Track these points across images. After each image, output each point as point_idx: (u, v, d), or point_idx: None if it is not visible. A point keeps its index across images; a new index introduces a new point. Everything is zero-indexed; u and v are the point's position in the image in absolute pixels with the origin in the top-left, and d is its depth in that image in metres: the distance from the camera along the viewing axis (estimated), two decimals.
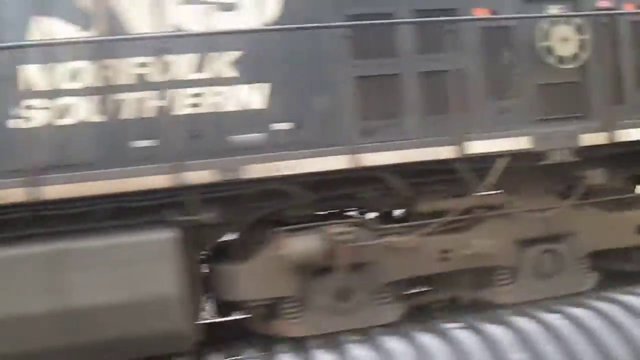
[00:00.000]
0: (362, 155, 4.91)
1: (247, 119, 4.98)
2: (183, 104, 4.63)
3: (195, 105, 4.67)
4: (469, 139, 5.16)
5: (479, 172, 5.43)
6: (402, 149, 5.05)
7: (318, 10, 5.11)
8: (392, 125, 5.23)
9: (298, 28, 5.02)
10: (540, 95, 5.60)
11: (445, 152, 5.20)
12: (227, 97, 4.77)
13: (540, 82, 5.59)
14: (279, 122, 4.95)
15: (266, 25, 4.96)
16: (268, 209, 5.25)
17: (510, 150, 5.33)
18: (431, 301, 6.00)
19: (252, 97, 4.91)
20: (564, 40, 5.46)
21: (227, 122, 4.83)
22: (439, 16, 5.25)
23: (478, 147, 5.21)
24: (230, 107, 4.79)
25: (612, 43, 5.81)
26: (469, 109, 5.37)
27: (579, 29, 5.56)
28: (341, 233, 5.03)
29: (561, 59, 5.47)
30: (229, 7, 4.84)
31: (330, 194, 5.39)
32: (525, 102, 5.57)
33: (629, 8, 5.97)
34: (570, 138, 5.39)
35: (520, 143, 5.35)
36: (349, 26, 5.21)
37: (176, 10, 4.71)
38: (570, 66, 5.47)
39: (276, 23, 4.97)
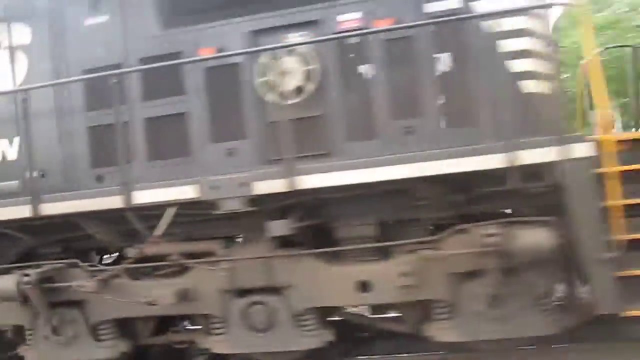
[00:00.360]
0: (46, 205, 5.28)
1: (3, 168, 5.99)
2: None
3: None
4: (136, 189, 5.06)
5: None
6: (78, 199, 5.28)
7: (59, 68, 5.79)
8: (120, 172, 5.24)
9: (40, 86, 5.45)
10: (273, 134, 5.03)
11: (114, 202, 5.21)
12: None
13: (271, 120, 5.06)
14: (29, 170, 5.57)
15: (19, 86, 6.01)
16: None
17: (178, 200, 5.03)
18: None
19: (7, 149, 5.83)
20: (285, 74, 4.88)
21: None
22: (162, 61, 5.15)
23: (145, 197, 5.10)
24: None
25: (357, 68, 5.04)
26: (191, 153, 5.28)
27: (305, 59, 4.95)
28: None
29: (282, 94, 4.95)
30: None
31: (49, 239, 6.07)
32: (255, 143, 5.12)
33: (381, 24, 4.98)
34: (242, 186, 4.80)
35: (187, 192, 4.99)
36: (81, 80, 5.62)
37: None
38: (296, 100, 4.86)
39: (25, 83, 5.82)
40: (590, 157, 4.32)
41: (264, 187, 4.93)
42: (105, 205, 5.33)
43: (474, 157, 4.47)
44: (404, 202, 5.16)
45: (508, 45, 4.72)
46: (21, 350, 6.25)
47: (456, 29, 4.87)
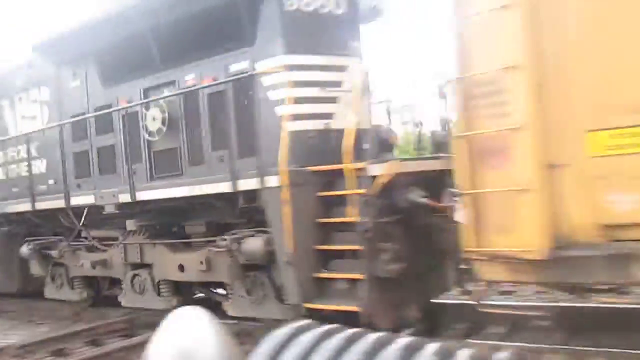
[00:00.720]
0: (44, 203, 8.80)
1: (38, 177, 9.16)
2: None
3: None
4: (72, 196, 7.92)
5: None
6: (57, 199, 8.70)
7: (60, 114, 8.55)
8: (86, 182, 8.02)
9: (51, 127, 8.34)
10: (155, 159, 7.52)
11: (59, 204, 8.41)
12: None
13: (154, 149, 7.41)
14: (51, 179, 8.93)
15: None
16: None
17: (87, 204, 7.70)
18: None
19: (40, 165, 8.98)
20: (153, 119, 7.08)
21: None
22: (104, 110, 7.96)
23: (75, 201, 7.93)
24: None
25: (195, 113, 6.89)
26: (116, 171, 7.49)
27: (162, 109, 7.05)
28: None
29: (152, 133, 7.28)
30: None
31: None
32: (145, 166, 7.22)
33: (205, 82, 6.88)
34: (113, 197, 7.21)
35: (90, 200, 7.58)
36: (66, 123, 8.37)
37: None
38: (157, 138, 7.13)
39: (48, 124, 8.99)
40: (279, 186, 5.80)
41: (123, 198, 7.41)
42: (58, 205, 8.44)
43: (223, 183, 6.24)
44: (218, 210, 7.00)
45: (275, 94, 6.21)
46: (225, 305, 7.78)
47: (245, 84, 6.47)
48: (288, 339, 2.47)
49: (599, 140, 4.15)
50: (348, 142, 5.59)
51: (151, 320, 6.71)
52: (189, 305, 5.97)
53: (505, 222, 4.46)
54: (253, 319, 6.67)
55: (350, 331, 2.54)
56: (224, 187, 6.39)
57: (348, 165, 5.56)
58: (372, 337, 2.46)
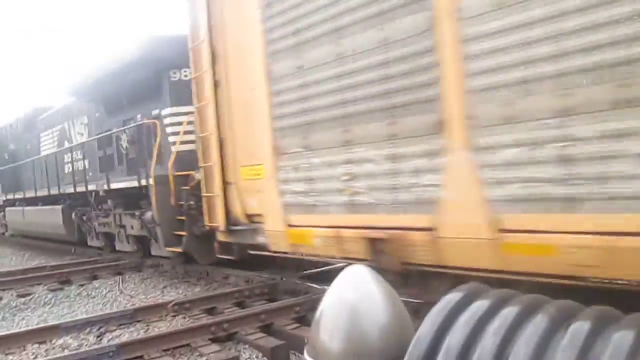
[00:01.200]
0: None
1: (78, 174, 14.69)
2: None
3: None
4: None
5: None
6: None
7: (90, 134, 13.85)
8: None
9: (87, 141, 13.48)
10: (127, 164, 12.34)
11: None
12: None
13: (126, 158, 12.10)
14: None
15: None
16: None
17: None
18: None
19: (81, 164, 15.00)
20: (125, 140, 11.77)
21: None
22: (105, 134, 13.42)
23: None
24: None
25: (137, 138, 10.89)
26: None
27: (127, 134, 11.39)
28: None
29: (125, 148, 11.91)
30: None
31: None
32: (123, 167, 12.15)
33: (146, 120, 10.97)
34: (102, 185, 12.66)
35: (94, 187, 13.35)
36: (93, 139, 13.66)
37: None
38: (126, 151, 12.15)
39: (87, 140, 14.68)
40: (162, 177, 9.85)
41: (106, 186, 12.17)
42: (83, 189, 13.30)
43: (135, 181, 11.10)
44: (141, 196, 11.05)
45: (169, 129, 10.20)
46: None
47: (156, 123, 10.53)
48: (464, 301, 2.37)
49: (244, 171, 6.81)
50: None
51: (290, 288, 7.43)
52: None
53: (212, 211, 7.41)
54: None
55: (530, 297, 2.38)
56: (135, 183, 10.72)
57: (189, 172, 9.43)
58: (554, 305, 2.26)
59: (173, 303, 6.85)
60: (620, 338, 1.87)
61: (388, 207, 4.94)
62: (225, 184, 7.16)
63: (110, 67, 10.62)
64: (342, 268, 2.88)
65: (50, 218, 14.05)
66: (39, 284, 9.83)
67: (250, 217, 6.81)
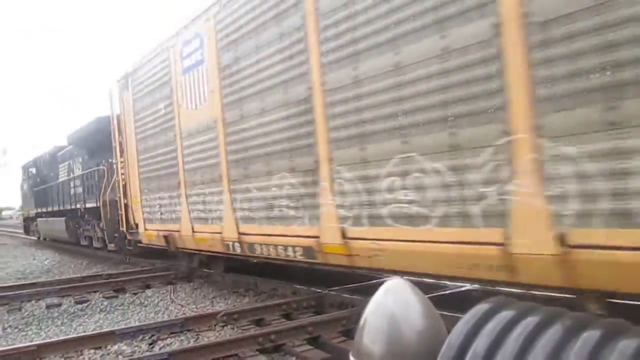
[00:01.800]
0: None
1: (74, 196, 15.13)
2: None
3: None
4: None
5: None
6: None
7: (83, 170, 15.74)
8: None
9: (79, 175, 15.80)
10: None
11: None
12: None
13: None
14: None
15: None
16: None
17: None
18: None
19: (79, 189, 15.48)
20: (97, 177, 13.22)
21: None
22: (89, 173, 14.93)
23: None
24: None
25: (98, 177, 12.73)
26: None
27: (99, 173, 12.35)
28: None
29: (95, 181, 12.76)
30: None
31: None
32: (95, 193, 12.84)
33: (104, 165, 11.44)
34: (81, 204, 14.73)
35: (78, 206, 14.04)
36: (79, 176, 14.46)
37: None
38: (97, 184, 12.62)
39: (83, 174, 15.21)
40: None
41: (84, 205, 14.98)
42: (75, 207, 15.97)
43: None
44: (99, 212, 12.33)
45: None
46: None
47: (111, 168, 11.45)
48: (491, 311, 2.55)
49: (134, 200, 10.13)
50: None
51: (337, 300, 6.42)
52: None
53: (123, 222, 10.33)
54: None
55: (550, 309, 2.48)
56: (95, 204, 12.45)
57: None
58: (570, 316, 2.35)
59: (222, 313, 6.29)
60: (626, 345, 2.10)
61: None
62: (126, 207, 10.29)
63: (87, 130, 13.60)
64: (383, 281, 2.91)
65: (59, 226, 17.00)
66: (96, 292, 8.89)
67: (136, 225, 9.71)
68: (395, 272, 4.76)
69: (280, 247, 6.06)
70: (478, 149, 4.04)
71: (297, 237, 5.73)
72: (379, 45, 4.49)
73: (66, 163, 17.87)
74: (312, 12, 5.08)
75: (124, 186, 10.12)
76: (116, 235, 11.92)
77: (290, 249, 5.98)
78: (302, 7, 5.26)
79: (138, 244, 10.60)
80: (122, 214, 10.36)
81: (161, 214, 8.53)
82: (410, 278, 3.40)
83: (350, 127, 4.84)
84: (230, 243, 6.86)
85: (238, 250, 6.72)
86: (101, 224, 12.64)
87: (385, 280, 3.07)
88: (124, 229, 10.31)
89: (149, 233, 9.16)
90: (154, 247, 9.86)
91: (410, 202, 4.59)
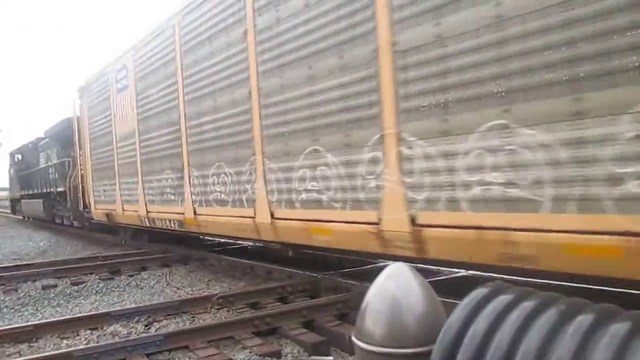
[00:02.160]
0: None
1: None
2: None
3: None
4: None
5: None
6: None
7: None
8: None
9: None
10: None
11: None
12: None
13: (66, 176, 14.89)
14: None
15: None
16: None
17: None
18: None
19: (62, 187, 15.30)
20: (66, 167, 15.64)
21: None
22: (60, 164, 16.97)
23: None
24: None
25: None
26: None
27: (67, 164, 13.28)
28: None
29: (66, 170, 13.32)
30: None
31: None
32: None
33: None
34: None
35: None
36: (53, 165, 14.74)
37: None
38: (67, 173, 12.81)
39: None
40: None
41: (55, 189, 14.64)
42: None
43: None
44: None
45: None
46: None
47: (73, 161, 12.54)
48: (490, 295, 2.70)
49: (90, 188, 14.61)
50: None
51: (332, 285, 6.25)
52: None
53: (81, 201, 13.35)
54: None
55: (546, 294, 2.62)
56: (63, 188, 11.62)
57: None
58: (565, 301, 2.45)
59: (218, 296, 6.20)
60: (617, 328, 2.24)
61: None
62: (83, 191, 11.44)
63: (60, 126, 15.00)
64: (384, 266, 3.10)
65: (38, 206, 18.01)
66: (91, 273, 8.44)
67: (90, 205, 11.86)
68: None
69: (166, 220, 7.99)
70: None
71: (174, 213, 8.42)
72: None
73: (45, 152, 19.10)
74: (181, 74, 6.74)
75: (82, 175, 11.38)
76: (78, 213, 12.77)
77: (167, 221, 8.19)
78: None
79: (91, 220, 12.28)
80: (80, 197, 11.63)
81: (104, 197, 10.41)
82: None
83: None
84: (144, 218, 8.57)
85: (147, 224, 8.32)
86: (68, 205, 13.49)
87: (387, 265, 3.26)
88: (82, 208, 11.08)
89: (97, 212, 10.93)
90: (101, 222, 11.86)
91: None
